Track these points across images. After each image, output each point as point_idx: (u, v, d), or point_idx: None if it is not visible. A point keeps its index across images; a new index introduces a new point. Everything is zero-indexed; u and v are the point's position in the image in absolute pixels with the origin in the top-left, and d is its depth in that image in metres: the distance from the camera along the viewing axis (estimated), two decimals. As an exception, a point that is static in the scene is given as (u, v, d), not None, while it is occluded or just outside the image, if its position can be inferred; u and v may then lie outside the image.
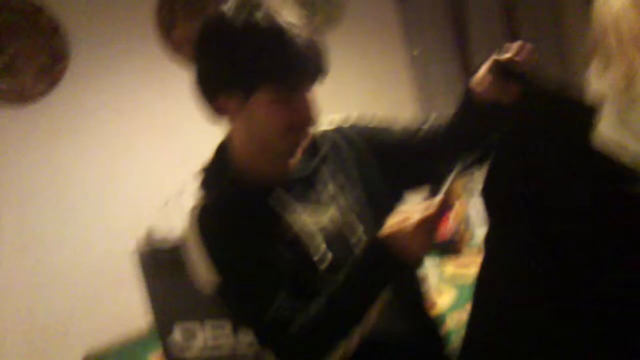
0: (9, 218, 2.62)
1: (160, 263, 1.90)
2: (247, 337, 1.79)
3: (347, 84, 3.17)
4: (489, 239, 1.19)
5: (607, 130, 1.63)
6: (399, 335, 1.27)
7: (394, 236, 1.08)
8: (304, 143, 1.22)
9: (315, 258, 1.18)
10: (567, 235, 1.02)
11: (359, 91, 3.26)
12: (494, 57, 1.16)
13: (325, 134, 1.33)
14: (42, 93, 2.68)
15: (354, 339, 1.13)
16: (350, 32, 3.30)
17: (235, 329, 1.85)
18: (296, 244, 1.18)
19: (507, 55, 1.15)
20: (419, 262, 1.17)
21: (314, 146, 1.29)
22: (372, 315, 1.13)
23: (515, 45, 1.16)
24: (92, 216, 2.75)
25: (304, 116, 1.16)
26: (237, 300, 1.20)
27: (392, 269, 1.10)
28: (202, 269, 1.20)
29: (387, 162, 1.32)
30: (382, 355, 1.23)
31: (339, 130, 1.35)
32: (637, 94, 2.04)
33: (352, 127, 1.37)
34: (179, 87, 2.54)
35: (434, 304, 1.43)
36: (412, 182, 1.38)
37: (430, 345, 1.36)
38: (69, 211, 2.73)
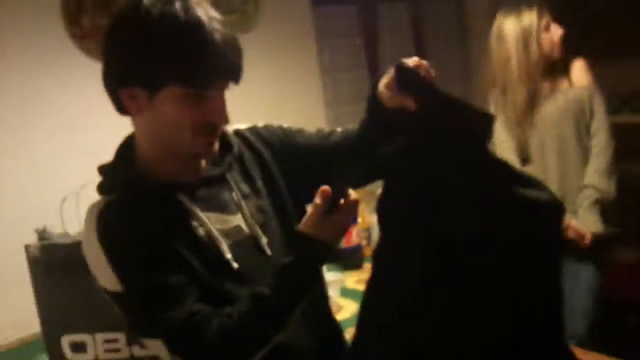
0: None
1: (52, 264, 1.78)
2: (142, 351, 1.71)
3: (257, 87, 3.14)
4: (378, 253, 1.19)
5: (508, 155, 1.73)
6: (302, 345, 1.26)
7: (305, 228, 1.14)
8: (215, 145, 1.19)
9: (228, 257, 1.18)
10: (464, 248, 1.04)
11: (268, 95, 3.24)
12: (397, 63, 1.17)
13: (235, 134, 1.32)
14: None
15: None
16: (263, 35, 3.28)
17: (130, 342, 1.73)
18: (204, 246, 1.17)
19: (409, 63, 1.16)
20: (333, 246, 1.18)
21: (224, 146, 1.26)
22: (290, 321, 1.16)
23: (416, 59, 1.17)
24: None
25: (215, 117, 1.13)
26: (142, 304, 1.15)
27: (315, 255, 1.14)
28: (100, 273, 1.15)
29: (296, 164, 1.32)
30: None
31: (250, 130, 1.35)
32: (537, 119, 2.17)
33: (264, 128, 1.37)
34: (84, 79, 2.46)
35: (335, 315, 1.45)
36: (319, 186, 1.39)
37: (334, 354, 1.35)
38: None
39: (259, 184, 1.29)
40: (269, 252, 1.23)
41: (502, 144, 2.41)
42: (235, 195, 1.24)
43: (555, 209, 1.08)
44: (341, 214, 1.14)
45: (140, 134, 1.19)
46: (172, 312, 1.10)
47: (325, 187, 1.13)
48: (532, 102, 2.33)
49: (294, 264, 1.13)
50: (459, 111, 1.06)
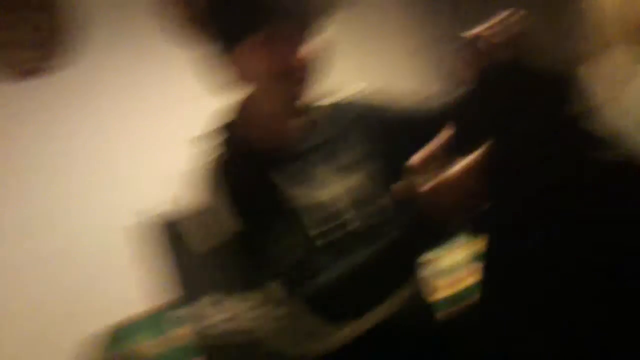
0: (10, 196, 2.64)
1: (173, 235, 1.91)
2: (273, 312, 1.78)
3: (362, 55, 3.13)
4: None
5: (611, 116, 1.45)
6: (389, 320, 1.21)
7: (422, 196, 1.03)
8: (304, 95, 1.21)
9: (312, 233, 1.17)
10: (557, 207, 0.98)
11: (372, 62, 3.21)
12: (464, 35, 1.11)
13: (339, 105, 1.31)
14: (43, 68, 2.68)
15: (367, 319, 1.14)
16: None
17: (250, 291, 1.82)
18: (293, 218, 1.17)
19: (476, 32, 1.09)
20: (452, 222, 1.07)
21: (326, 117, 1.28)
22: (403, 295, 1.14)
23: (495, 19, 1.09)
24: (96, 193, 2.77)
25: (296, 60, 1.16)
26: (253, 250, 1.18)
27: (427, 229, 1.06)
28: (212, 220, 1.19)
29: (394, 140, 1.26)
30: (369, 340, 1.19)
31: (354, 102, 1.33)
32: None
33: (360, 101, 1.33)
34: (181, 64, 2.60)
35: (434, 290, 1.41)
36: None
37: (421, 330, 1.31)
38: (73, 188, 2.75)
39: (354, 157, 1.26)
40: (353, 231, 1.20)
41: None
42: (328, 168, 1.23)
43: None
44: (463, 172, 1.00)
45: (241, 98, 1.24)
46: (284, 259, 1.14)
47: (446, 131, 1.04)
48: None
49: (400, 243, 1.10)
50: (534, 75, 1.01)
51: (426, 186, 1.01)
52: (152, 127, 2.83)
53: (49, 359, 2.60)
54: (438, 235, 1.07)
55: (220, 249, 1.19)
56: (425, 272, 1.34)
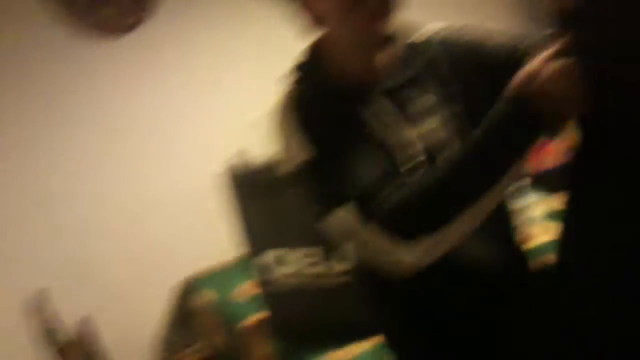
0: (105, 151, 2.79)
1: (253, 185, 1.96)
2: (339, 266, 1.84)
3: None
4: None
5: None
6: (480, 261, 1.21)
7: (527, 88, 0.96)
8: (386, 23, 1.18)
9: (403, 170, 1.15)
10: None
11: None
12: None
13: (423, 43, 1.27)
14: (131, 26, 2.78)
15: (466, 224, 1.04)
16: None
17: (327, 257, 1.86)
18: (383, 154, 1.15)
19: None
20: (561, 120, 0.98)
21: (411, 54, 1.24)
22: (495, 197, 1.03)
23: None
24: (186, 145, 2.90)
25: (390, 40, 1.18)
26: (327, 176, 1.15)
27: (530, 127, 0.98)
28: (291, 148, 1.18)
29: (487, 79, 1.19)
30: (459, 279, 1.20)
31: (438, 40, 1.28)
32: None
33: (453, 38, 1.28)
34: (262, 19, 2.65)
35: (528, 237, 1.37)
36: None
37: (513, 275, 1.29)
38: (164, 141, 2.89)
39: (445, 95, 1.21)
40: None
41: None
42: (418, 105, 1.20)
43: None
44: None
45: (322, 36, 1.23)
46: (350, 189, 1.11)
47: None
48: None
49: (495, 130, 1.01)
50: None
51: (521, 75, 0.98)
52: (239, 77, 2.91)
53: (140, 305, 2.84)
54: (532, 131, 0.98)
55: (297, 179, 1.19)
56: (518, 218, 1.31)
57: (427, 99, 1.20)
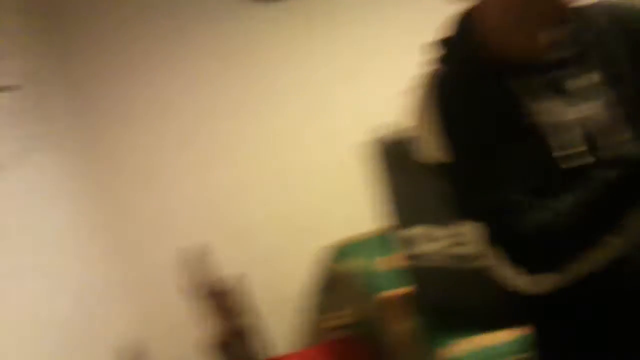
0: (254, 117, 2.89)
1: (403, 158, 1.92)
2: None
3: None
4: None
5: None
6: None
7: None
8: (558, 18, 1.08)
9: (556, 155, 1.05)
10: None
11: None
12: None
13: (592, 12, 1.14)
14: None
15: (606, 251, 1.02)
16: None
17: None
18: (536, 136, 1.06)
19: None
20: None
21: (578, 26, 1.12)
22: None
23: None
24: (339, 113, 2.93)
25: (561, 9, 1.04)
26: (465, 177, 1.10)
27: None
28: (428, 141, 1.12)
29: None
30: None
31: (607, 10, 1.15)
32: None
33: (624, 8, 1.15)
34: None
35: None
36: None
37: None
38: (311, 109, 2.94)
39: (612, 74, 1.10)
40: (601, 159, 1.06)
41: None
42: (579, 85, 1.09)
43: None
44: None
45: (477, 3, 1.12)
46: (492, 194, 1.04)
47: None
48: None
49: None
50: None
51: None
52: (394, 46, 2.84)
53: (289, 267, 2.97)
54: None
55: (444, 166, 1.12)
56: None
57: (591, 78, 1.08)
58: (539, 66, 1.08)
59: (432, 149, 1.11)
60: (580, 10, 1.12)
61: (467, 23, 1.15)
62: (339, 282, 2.81)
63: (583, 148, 1.05)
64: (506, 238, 1.04)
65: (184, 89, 2.84)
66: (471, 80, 1.10)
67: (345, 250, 2.84)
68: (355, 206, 2.83)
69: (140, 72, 2.80)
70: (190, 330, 2.44)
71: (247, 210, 2.93)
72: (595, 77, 1.08)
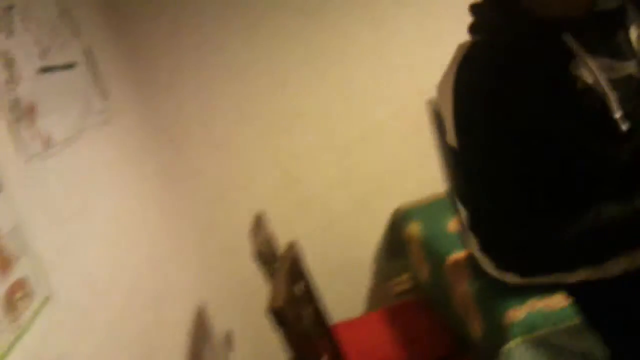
0: (322, 83, 2.89)
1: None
2: None
3: None
4: None
5: None
6: None
7: None
8: None
9: (617, 116, 0.97)
10: None
11: None
12: None
13: None
14: None
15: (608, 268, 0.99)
16: None
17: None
18: (590, 97, 0.98)
19: None
20: None
21: None
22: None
23: None
24: (404, 77, 2.90)
25: None
26: (469, 171, 1.05)
27: None
28: (448, 122, 1.06)
29: None
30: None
31: None
32: None
33: None
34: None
35: None
36: None
37: None
38: (382, 73, 2.91)
39: None
40: None
41: None
42: (634, 35, 1.02)
43: None
44: None
45: None
46: (496, 194, 1.00)
47: None
48: None
49: None
50: None
51: None
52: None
53: (354, 231, 3.01)
54: None
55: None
56: None
57: (634, 33, 1.01)
58: (584, 22, 1.00)
59: (450, 133, 1.05)
60: None
61: None
62: (407, 246, 2.81)
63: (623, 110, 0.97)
64: (503, 248, 1.02)
65: (251, 57, 2.85)
66: (507, 47, 1.01)
67: (410, 214, 2.83)
68: (423, 169, 2.81)
69: (203, 39, 2.81)
70: (257, 295, 2.51)
71: (316, 176, 2.96)
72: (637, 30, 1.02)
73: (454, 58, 1.06)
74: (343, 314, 2.64)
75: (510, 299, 1.72)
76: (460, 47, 1.07)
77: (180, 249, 2.57)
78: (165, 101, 2.83)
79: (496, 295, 1.81)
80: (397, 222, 2.94)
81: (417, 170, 2.91)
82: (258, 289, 2.41)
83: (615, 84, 0.98)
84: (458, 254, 2.22)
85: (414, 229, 2.70)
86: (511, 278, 1.05)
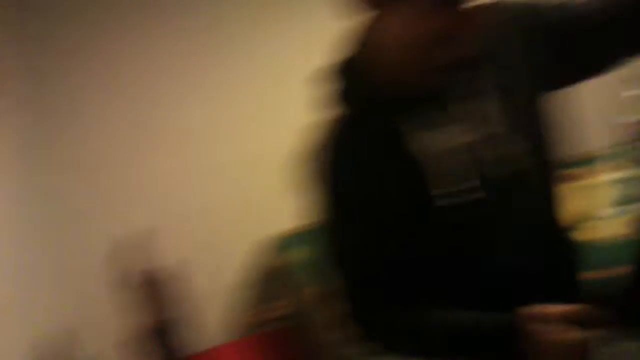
0: (200, 107, 2.86)
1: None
2: None
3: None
4: None
5: None
6: (531, 267, 1.05)
7: (534, 338, 0.91)
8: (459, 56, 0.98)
9: (433, 193, 0.98)
10: None
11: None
12: None
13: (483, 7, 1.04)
14: None
15: None
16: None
17: None
18: (414, 173, 0.99)
19: None
20: None
21: (484, 37, 1.03)
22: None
23: None
24: (283, 103, 2.86)
25: (463, 29, 0.96)
26: (332, 239, 1.10)
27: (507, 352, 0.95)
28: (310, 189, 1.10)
29: (555, 46, 1.03)
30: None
31: (506, 9, 1.07)
32: None
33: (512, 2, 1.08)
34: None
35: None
36: (582, 68, 1.07)
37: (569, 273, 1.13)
38: (257, 102, 2.92)
39: (503, 78, 1.04)
40: (494, 172, 1.01)
41: None
42: (465, 109, 1.02)
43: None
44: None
45: (382, 35, 1.00)
46: (355, 264, 1.05)
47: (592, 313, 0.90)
48: None
49: (488, 340, 0.97)
50: None
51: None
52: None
53: (228, 257, 2.94)
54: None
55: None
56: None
57: (470, 102, 1.02)
58: (423, 98, 1.01)
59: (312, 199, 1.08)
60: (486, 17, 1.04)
61: (363, 45, 1.05)
62: (278, 274, 2.81)
63: (464, 181, 0.99)
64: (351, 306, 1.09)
65: (130, 77, 2.79)
66: (364, 121, 1.04)
67: (286, 242, 2.82)
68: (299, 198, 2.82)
69: (87, 57, 2.74)
70: (118, 321, 2.41)
71: (189, 199, 2.89)
72: (489, 95, 1.02)
73: (315, 134, 1.08)
74: (210, 340, 2.58)
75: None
76: (319, 123, 1.09)
77: (46, 271, 2.42)
78: (24, 119, 2.69)
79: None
80: (274, 249, 2.93)
81: (293, 200, 2.90)
82: (120, 314, 2.31)
83: (444, 156, 0.99)
84: (331, 282, 2.23)
85: (288, 256, 2.71)
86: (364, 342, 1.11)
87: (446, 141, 0.99)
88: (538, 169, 1.04)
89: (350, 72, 1.06)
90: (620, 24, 0.99)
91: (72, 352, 2.39)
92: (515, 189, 1.01)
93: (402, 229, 1.01)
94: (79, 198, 2.77)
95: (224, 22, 2.87)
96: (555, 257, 1.09)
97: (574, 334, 0.88)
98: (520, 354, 0.92)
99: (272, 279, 2.87)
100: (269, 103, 2.93)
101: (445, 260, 1.01)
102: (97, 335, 2.70)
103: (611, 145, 2.72)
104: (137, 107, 2.80)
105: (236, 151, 2.93)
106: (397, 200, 1.00)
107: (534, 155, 1.03)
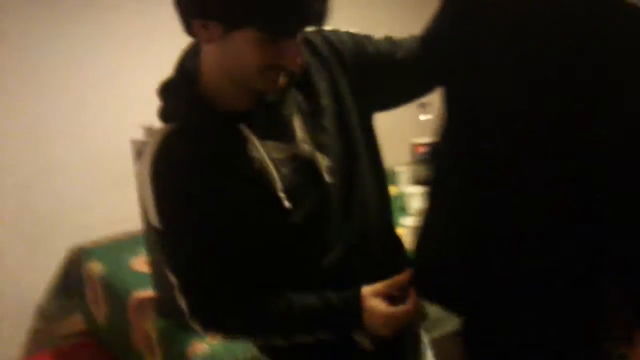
0: (10, 104, 2.66)
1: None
2: None
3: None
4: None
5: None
6: (365, 256, 1.18)
7: (371, 309, 1.10)
8: (282, 82, 1.08)
9: (280, 194, 1.08)
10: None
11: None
12: None
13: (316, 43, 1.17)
14: None
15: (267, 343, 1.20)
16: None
17: None
18: (263, 177, 1.08)
19: None
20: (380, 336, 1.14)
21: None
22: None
23: None
24: (96, 112, 2.81)
25: (290, 63, 1.03)
26: (173, 248, 1.12)
27: (354, 328, 1.12)
28: (148, 205, 1.11)
29: (365, 76, 1.17)
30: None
31: (316, 34, 1.17)
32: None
33: (333, 32, 1.19)
34: None
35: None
36: (390, 98, 1.23)
37: (397, 262, 1.26)
38: (73, 104, 2.78)
39: (325, 98, 1.14)
40: (327, 178, 1.12)
41: None
42: (295, 116, 1.12)
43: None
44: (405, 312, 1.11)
45: (207, 60, 1.07)
46: (196, 269, 1.10)
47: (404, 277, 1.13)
48: None
49: (331, 316, 1.11)
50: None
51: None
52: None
53: (37, 262, 2.77)
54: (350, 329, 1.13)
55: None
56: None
57: (295, 115, 1.13)
58: (257, 111, 1.10)
59: (151, 213, 1.11)
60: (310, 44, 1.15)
61: (191, 69, 1.11)
62: (84, 285, 2.69)
63: (303, 181, 1.10)
64: (194, 305, 1.12)
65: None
66: (196, 135, 1.09)
67: (93, 252, 2.73)
68: (107, 207, 2.77)
69: None
70: None
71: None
72: (302, 109, 1.13)
73: (150, 145, 1.11)
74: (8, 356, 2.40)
75: (193, 334, 1.77)
76: (155, 133, 1.12)
77: None
78: None
79: (180, 331, 1.86)
80: (75, 261, 2.80)
81: (100, 208, 2.83)
82: None
83: (282, 163, 1.09)
84: (142, 293, 2.22)
85: (94, 267, 2.61)
86: (215, 336, 1.18)
87: (281, 150, 1.10)
88: (370, 174, 1.18)
89: (181, 88, 1.11)
90: (407, 70, 1.16)
91: None
92: (346, 190, 1.14)
93: (242, 228, 1.08)
94: None
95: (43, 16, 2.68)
96: (385, 255, 1.23)
97: (400, 306, 1.10)
98: (362, 328, 1.11)
99: (81, 290, 2.74)
100: (94, 103, 2.81)
101: (282, 257, 1.13)
102: None
103: (408, 163, 3.01)
104: None
105: (53, 154, 2.76)
106: (239, 202, 1.08)
107: (365, 162, 1.17)
